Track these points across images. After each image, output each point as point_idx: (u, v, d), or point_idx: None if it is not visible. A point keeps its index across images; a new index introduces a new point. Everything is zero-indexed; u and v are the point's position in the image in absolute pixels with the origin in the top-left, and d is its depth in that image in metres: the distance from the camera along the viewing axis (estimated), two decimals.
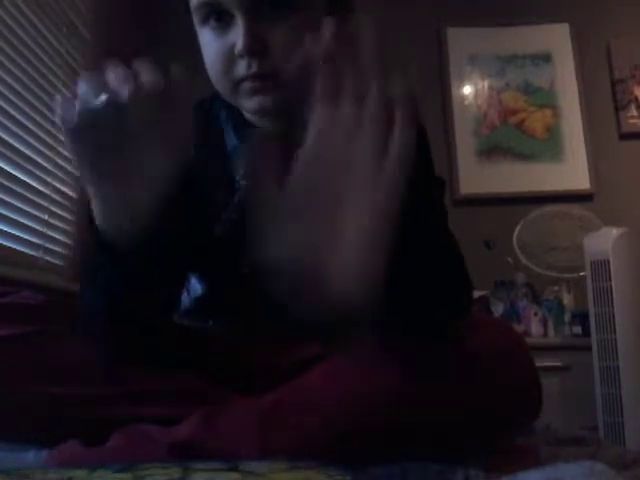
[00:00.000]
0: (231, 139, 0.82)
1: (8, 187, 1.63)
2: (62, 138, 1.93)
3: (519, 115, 2.74)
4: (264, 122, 0.79)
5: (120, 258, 0.59)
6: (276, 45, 0.69)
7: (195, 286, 0.84)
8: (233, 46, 0.69)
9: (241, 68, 0.70)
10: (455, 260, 0.65)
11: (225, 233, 0.78)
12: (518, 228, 2.44)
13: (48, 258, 1.86)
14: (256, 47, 0.68)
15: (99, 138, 0.53)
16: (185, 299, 0.84)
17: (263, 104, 0.71)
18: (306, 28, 0.70)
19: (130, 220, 0.57)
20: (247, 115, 0.81)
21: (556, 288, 2.38)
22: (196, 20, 0.73)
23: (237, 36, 0.68)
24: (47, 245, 1.85)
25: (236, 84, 0.71)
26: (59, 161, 1.92)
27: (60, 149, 1.93)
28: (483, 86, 2.78)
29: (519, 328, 2.22)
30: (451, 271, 0.64)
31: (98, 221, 0.58)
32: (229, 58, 0.70)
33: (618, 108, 2.70)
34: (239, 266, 0.78)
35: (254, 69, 0.69)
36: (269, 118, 0.77)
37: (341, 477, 0.42)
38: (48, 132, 1.86)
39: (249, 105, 0.73)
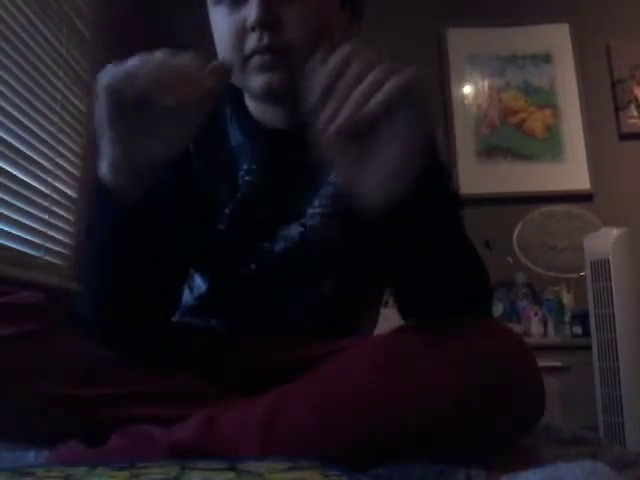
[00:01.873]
0: (235, 135, 0.81)
1: (9, 187, 1.63)
2: (62, 138, 1.93)
3: (519, 115, 2.74)
4: (268, 114, 0.80)
5: (123, 211, 0.64)
6: (289, 21, 0.70)
7: (198, 284, 0.84)
8: (245, 20, 0.70)
9: (252, 41, 0.70)
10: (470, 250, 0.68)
11: (228, 228, 0.78)
12: (518, 228, 2.44)
13: (49, 258, 1.86)
14: (269, 20, 0.69)
15: (126, 99, 0.58)
16: (188, 297, 0.84)
17: (270, 81, 0.71)
18: (320, 6, 0.72)
19: (134, 178, 0.63)
20: (252, 110, 0.81)
21: (556, 288, 2.38)
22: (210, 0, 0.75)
23: (250, 10, 0.69)
24: (48, 245, 1.86)
25: (246, 59, 0.71)
26: (59, 161, 1.92)
27: (60, 149, 1.93)
28: (483, 86, 2.78)
29: (519, 328, 2.22)
30: (467, 261, 0.67)
31: (105, 178, 0.63)
32: (241, 32, 0.71)
33: (618, 108, 2.70)
34: (241, 265, 0.78)
35: (265, 42, 0.69)
36: (274, 102, 0.77)
37: (337, 477, 0.42)
38: (48, 132, 1.86)
39: (256, 82, 0.72)
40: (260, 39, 0.69)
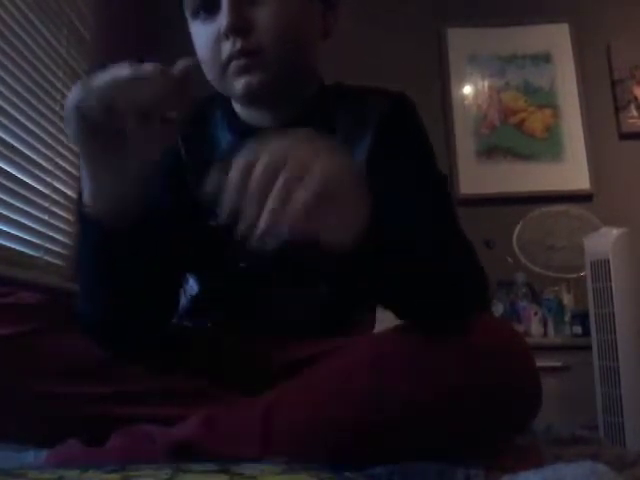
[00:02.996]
0: (226, 136, 0.84)
1: (8, 187, 1.63)
2: (62, 138, 1.93)
3: (519, 115, 2.74)
4: (254, 117, 0.82)
5: (108, 236, 0.62)
6: (259, 23, 0.72)
7: (191, 285, 0.84)
8: (220, 29, 0.73)
9: (227, 48, 0.73)
10: (463, 257, 0.66)
11: (220, 225, 0.79)
12: (518, 228, 2.44)
13: (48, 258, 1.86)
14: (239, 24, 0.71)
15: (98, 118, 0.55)
16: (182, 299, 0.84)
17: (250, 82, 0.74)
18: (286, 4, 0.73)
19: (114, 201, 0.62)
20: (240, 115, 0.83)
21: (556, 288, 2.38)
22: (188, 15, 0.77)
23: (223, 19, 0.72)
24: (47, 245, 1.85)
25: (224, 66, 0.74)
26: (59, 161, 1.92)
27: (60, 149, 1.93)
28: (483, 86, 2.78)
29: (519, 328, 2.22)
30: (458, 268, 0.65)
31: (86, 201, 0.62)
32: (216, 41, 0.73)
33: (618, 108, 2.70)
34: (231, 264, 0.78)
35: (238, 46, 0.72)
36: (256, 103, 0.80)
37: (331, 479, 0.42)
38: (48, 132, 1.86)
39: (237, 87, 0.75)
40: (234, 45, 0.72)
